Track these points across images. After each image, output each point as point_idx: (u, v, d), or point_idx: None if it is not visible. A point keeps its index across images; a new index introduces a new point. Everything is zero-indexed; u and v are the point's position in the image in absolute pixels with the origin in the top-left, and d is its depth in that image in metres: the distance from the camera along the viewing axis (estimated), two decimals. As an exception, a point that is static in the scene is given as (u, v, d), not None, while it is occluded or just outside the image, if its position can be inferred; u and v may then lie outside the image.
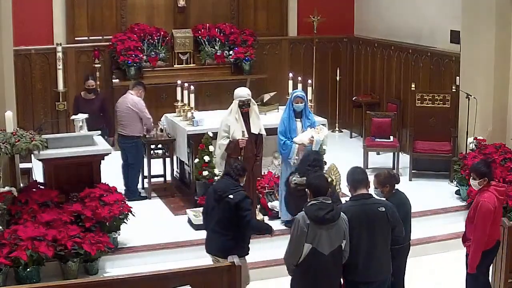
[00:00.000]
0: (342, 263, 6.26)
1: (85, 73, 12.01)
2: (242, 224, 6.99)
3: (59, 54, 12.42)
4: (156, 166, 10.68)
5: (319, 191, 6.22)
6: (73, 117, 10.20)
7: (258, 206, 9.33)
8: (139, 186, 10.63)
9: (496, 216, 7.00)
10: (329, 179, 7.81)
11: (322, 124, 9.65)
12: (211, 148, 9.68)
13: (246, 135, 8.70)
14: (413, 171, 11.21)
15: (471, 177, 7.16)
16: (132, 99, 10.28)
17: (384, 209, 6.38)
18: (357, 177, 6.50)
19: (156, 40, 12.81)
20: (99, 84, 12.33)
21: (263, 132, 8.96)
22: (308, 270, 6.15)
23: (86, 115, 10.10)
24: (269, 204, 9.54)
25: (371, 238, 6.33)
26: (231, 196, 6.96)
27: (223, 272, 6.30)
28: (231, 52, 13.19)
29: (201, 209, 9.38)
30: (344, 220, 6.19)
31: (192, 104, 10.41)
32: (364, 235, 6.31)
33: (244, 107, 8.74)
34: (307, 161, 7.99)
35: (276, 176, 9.78)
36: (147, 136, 10.38)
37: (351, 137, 13.91)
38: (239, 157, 8.66)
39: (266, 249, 8.75)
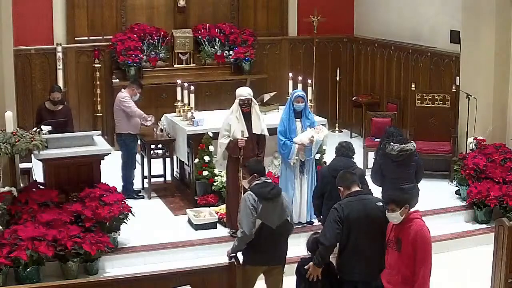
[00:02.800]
0: (288, 234, 6.87)
1: (51, 84, 11.52)
2: None
3: (59, 54, 12.43)
4: (156, 166, 10.68)
5: (260, 172, 6.92)
6: (37, 130, 9.39)
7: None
8: (139, 186, 10.63)
9: None
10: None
11: (322, 124, 9.66)
12: (211, 148, 9.68)
13: (246, 135, 8.70)
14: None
15: (387, 211, 6.22)
16: (119, 96, 10.39)
17: (381, 204, 6.49)
18: (348, 177, 6.70)
19: (156, 40, 12.81)
20: (66, 92, 11.77)
21: (266, 133, 8.96)
22: (258, 243, 6.61)
23: (49, 127, 9.55)
24: (269, 204, 9.53)
25: (368, 235, 6.36)
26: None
27: (223, 272, 6.31)
28: (231, 52, 13.19)
29: (201, 209, 9.45)
30: (285, 197, 6.85)
31: (192, 104, 10.41)
32: (362, 234, 6.34)
33: (244, 106, 8.75)
34: (385, 134, 8.69)
35: (276, 176, 9.78)
36: (146, 125, 10.42)
37: (351, 137, 13.89)
38: (239, 157, 8.67)
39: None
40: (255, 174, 6.87)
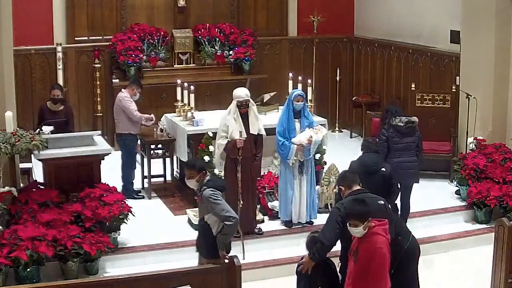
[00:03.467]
0: (207, 232, 6.82)
1: (51, 84, 11.51)
2: (392, 193, 8.08)
3: (59, 54, 12.43)
4: (156, 166, 10.68)
5: (204, 168, 7.04)
6: (38, 130, 9.44)
7: (258, 206, 9.34)
8: (139, 186, 10.63)
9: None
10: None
11: (322, 124, 9.67)
12: (211, 148, 9.68)
13: (244, 135, 8.70)
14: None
15: (349, 225, 6.04)
16: (119, 96, 10.41)
17: (383, 202, 6.56)
18: (349, 176, 6.76)
19: (156, 40, 12.81)
20: (66, 92, 11.61)
21: (263, 133, 8.96)
22: None
23: (51, 128, 9.63)
24: (269, 204, 9.55)
25: None
26: (383, 169, 8.03)
27: (223, 272, 6.31)
28: (231, 52, 13.19)
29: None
30: (208, 196, 6.75)
31: (192, 104, 10.41)
32: None
33: (242, 107, 8.75)
34: (388, 111, 9.44)
35: (276, 176, 9.78)
36: (147, 125, 10.43)
37: (351, 137, 13.90)
38: (238, 157, 8.68)
39: (265, 250, 8.77)
40: (203, 171, 6.92)
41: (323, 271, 6.51)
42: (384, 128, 9.25)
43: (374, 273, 5.92)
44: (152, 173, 10.57)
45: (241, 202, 8.68)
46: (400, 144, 9.08)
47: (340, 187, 6.74)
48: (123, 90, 10.53)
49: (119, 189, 9.50)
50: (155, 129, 10.66)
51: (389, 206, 6.74)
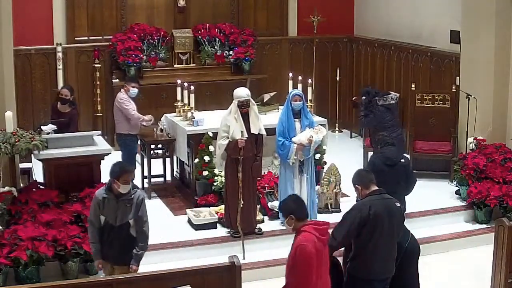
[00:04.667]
0: (130, 235, 6.83)
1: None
2: (411, 182, 8.56)
3: (59, 54, 12.43)
4: (156, 166, 10.68)
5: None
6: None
7: (258, 206, 9.34)
8: (139, 186, 10.61)
9: (319, 263, 5.91)
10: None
11: (322, 124, 9.66)
12: (211, 148, 9.68)
13: (245, 135, 8.70)
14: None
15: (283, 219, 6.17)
16: (118, 97, 10.45)
17: (399, 205, 6.55)
18: (366, 176, 6.60)
19: (156, 40, 12.81)
20: (73, 94, 11.17)
21: (263, 132, 8.96)
22: (103, 237, 6.89)
23: (54, 127, 9.73)
24: (269, 204, 9.55)
25: (389, 234, 6.38)
26: (402, 160, 8.52)
27: (223, 272, 6.31)
28: (231, 52, 13.18)
29: (201, 209, 9.45)
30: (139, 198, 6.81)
31: (192, 104, 10.41)
32: (384, 231, 6.33)
33: (243, 107, 8.75)
34: (368, 94, 10.31)
35: (276, 176, 9.78)
36: (145, 125, 10.44)
37: (351, 137, 13.90)
38: (239, 157, 8.68)
39: (265, 250, 8.76)
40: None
41: (330, 272, 6.49)
42: (371, 111, 10.02)
43: (298, 269, 5.87)
44: (152, 173, 10.57)
45: (242, 202, 8.68)
46: (393, 120, 10.06)
47: (356, 186, 6.59)
48: (122, 90, 10.56)
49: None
50: (155, 129, 10.66)
51: (404, 209, 6.79)
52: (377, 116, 10.18)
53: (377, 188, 6.52)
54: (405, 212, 9.13)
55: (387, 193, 6.54)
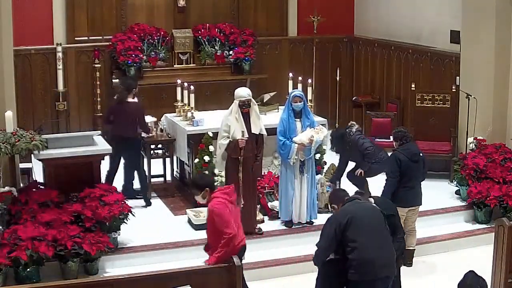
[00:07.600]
0: None
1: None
2: (425, 173, 8.80)
3: (59, 54, 12.43)
4: (156, 166, 10.67)
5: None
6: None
7: (258, 206, 9.33)
8: (138, 187, 10.61)
9: (235, 219, 6.82)
10: None
11: (322, 124, 9.66)
12: (211, 148, 9.68)
13: (246, 135, 8.70)
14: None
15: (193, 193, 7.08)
16: (134, 100, 10.34)
17: (376, 206, 6.80)
18: (341, 194, 6.95)
19: (156, 40, 12.81)
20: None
21: (264, 132, 8.96)
22: None
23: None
24: (269, 204, 9.55)
25: (376, 232, 6.51)
26: (421, 154, 8.67)
27: (223, 272, 6.31)
28: (231, 52, 13.19)
29: (201, 209, 9.45)
30: None
31: (192, 104, 10.40)
32: (369, 231, 6.47)
33: (244, 107, 8.74)
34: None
35: (276, 176, 9.78)
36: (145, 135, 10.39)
37: (351, 137, 13.88)
38: (239, 157, 8.67)
39: (265, 249, 8.76)
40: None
41: (333, 272, 6.58)
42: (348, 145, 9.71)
43: (219, 225, 6.66)
44: (152, 173, 10.57)
45: (242, 202, 8.68)
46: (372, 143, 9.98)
47: (333, 205, 6.92)
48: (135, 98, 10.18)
49: (119, 189, 9.49)
50: (155, 129, 10.65)
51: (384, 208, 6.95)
52: (359, 145, 9.62)
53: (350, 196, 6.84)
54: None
55: (373, 196, 7.07)
